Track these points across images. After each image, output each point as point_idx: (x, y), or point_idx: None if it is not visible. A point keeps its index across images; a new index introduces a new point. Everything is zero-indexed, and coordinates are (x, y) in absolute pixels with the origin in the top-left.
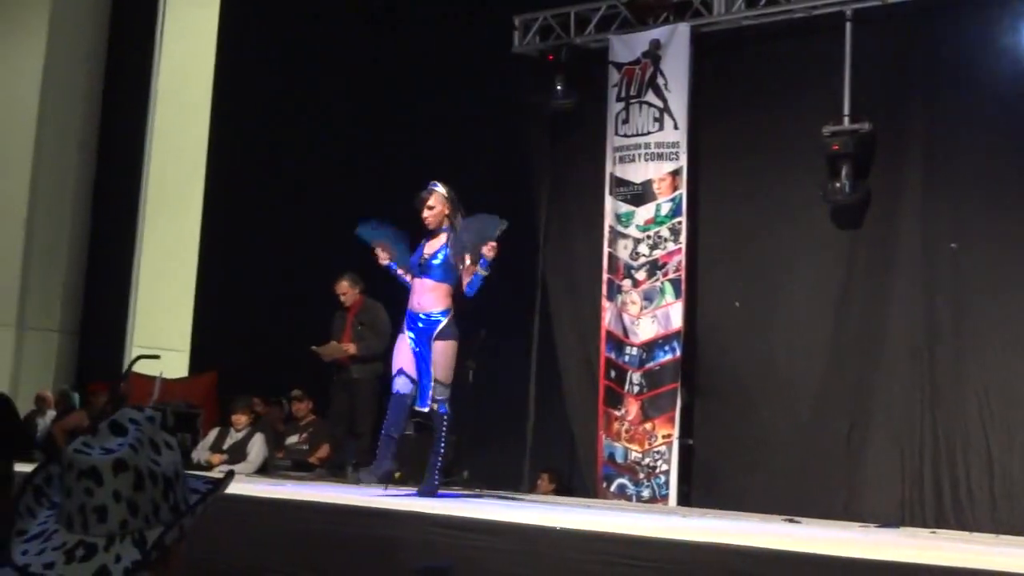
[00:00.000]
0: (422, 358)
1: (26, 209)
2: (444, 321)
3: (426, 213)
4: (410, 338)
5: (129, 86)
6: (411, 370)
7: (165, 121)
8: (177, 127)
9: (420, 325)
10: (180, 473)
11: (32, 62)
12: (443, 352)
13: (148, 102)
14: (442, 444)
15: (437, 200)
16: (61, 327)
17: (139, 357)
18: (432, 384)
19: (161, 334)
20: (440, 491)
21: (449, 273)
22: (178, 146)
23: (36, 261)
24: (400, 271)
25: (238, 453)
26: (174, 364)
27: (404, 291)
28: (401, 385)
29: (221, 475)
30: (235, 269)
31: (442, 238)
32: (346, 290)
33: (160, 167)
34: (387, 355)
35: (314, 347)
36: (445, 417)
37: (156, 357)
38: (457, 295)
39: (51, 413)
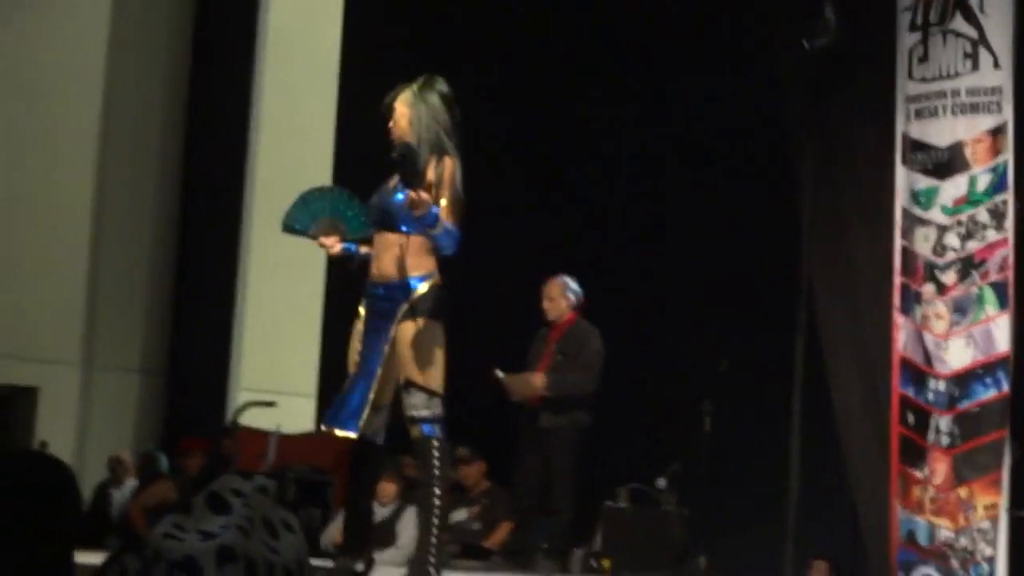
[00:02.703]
0: (374, 350)
1: (91, 211)
2: (421, 289)
3: (392, 125)
4: (362, 324)
5: (226, 46)
6: None
7: (275, 90)
8: (294, 97)
9: (381, 292)
10: (305, 563)
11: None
12: (423, 335)
13: (252, 65)
14: (436, 496)
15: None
16: (142, 366)
17: (248, 404)
18: (407, 389)
19: (277, 374)
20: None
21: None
22: (295, 128)
23: (107, 280)
24: (363, 249)
25: (385, 534)
26: (296, 413)
27: (628, 314)
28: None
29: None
30: None
31: None
32: (554, 297)
33: (271, 157)
34: (595, 400)
35: (499, 372)
36: (436, 446)
37: (271, 404)
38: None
39: (131, 482)
